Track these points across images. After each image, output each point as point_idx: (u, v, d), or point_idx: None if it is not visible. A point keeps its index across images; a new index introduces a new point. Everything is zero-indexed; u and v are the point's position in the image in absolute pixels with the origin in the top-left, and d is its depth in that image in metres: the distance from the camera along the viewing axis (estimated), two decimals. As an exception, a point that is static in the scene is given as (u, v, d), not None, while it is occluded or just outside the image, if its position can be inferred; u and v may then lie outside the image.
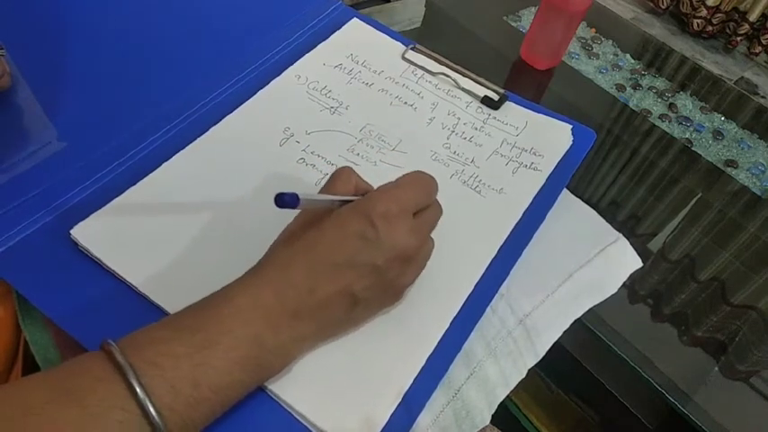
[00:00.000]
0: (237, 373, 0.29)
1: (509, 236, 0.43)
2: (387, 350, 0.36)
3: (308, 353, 0.34)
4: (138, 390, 0.26)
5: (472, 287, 0.40)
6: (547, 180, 0.47)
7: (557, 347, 0.41)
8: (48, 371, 0.28)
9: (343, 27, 0.56)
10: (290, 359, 0.33)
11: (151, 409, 0.26)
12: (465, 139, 0.49)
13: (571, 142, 0.50)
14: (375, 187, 0.36)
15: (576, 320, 0.42)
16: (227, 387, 0.29)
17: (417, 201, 0.35)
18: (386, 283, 0.33)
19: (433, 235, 0.37)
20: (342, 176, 0.36)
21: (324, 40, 0.54)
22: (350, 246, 0.32)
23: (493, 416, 0.38)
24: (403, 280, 0.34)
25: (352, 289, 0.32)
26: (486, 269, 0.41)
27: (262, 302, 0.31)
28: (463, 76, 0.54)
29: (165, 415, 0.27)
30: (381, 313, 0.37)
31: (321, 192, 0.35)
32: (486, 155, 0.48)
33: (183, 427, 0.28)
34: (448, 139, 0.49)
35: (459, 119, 0.51)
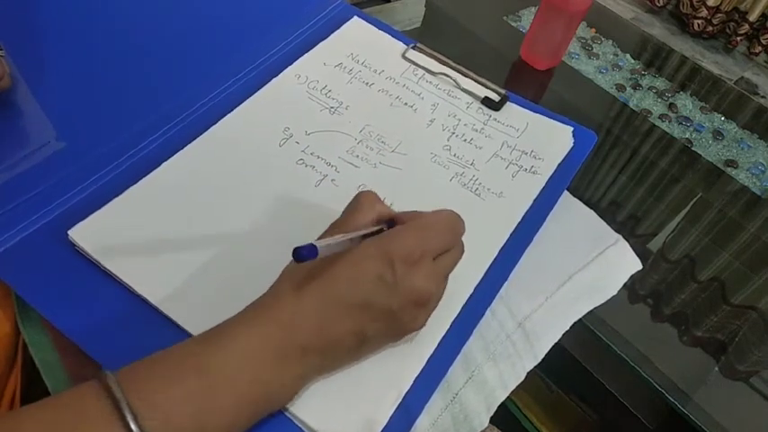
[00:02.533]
0: (244, 416, 0.29)
1: (508, 239, 0.43)
2: (386, 353, 0.36)
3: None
4: None
5: (471, 290, 0.39)
6: (547, 183, 0.47)
7: (557, 348, 0.41)
8: (42, 403, 0.26)
9: (344, 26, 0.55)
10: (294, 394, 0.32)
11: None
12: (465, 141, 0.49)
13: (572, 145, 0.50)
14: (395, 207, 0.35)
15: (576, 321, 0.42)
16: (231, 427, 0.28)
17: (441, 245, 0.34)
18: (397, 326, 0.33)
19: None
20: (364, 205, 0.34)
21: (324, 38, 0.54)
22: (366, 287, 0.31)
23: (493, 416, 0.38)
24: (414, 324, 0.34)
25: (363, 330, 0.32)
26: (486, 272, 0.41)
27: (269, 342, 0.30)
28: (464, 76, 0.54)
29: None
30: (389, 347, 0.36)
31: (341, 217, 0.35)
32: (486, 157, 0.48)
33: None
34: (448, 140, 0.49)
35: (459, 120, 0.51)
